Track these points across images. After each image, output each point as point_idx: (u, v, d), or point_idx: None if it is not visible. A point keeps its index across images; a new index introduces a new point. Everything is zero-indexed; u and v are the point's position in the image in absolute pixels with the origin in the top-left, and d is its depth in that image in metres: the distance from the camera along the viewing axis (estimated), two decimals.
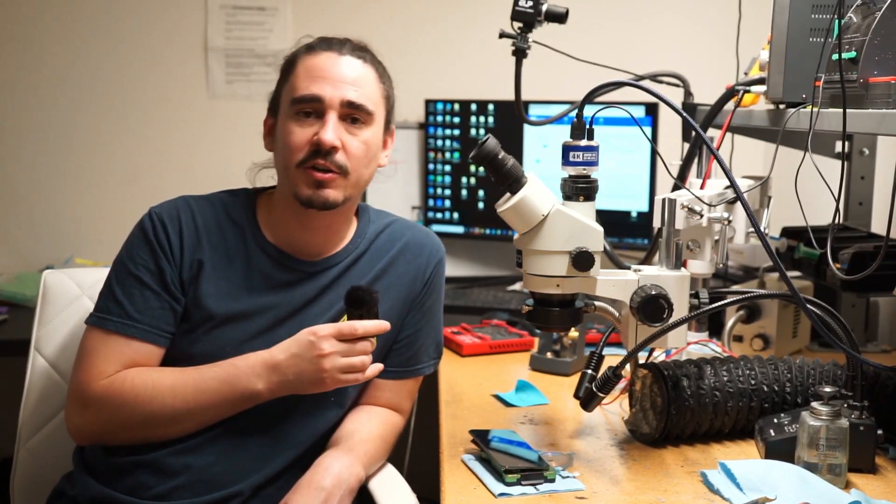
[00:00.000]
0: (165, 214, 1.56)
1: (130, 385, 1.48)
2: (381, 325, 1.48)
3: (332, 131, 1.50)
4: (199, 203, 1.60)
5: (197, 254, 1.55)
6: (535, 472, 1.34)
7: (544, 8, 1.78)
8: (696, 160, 1.76)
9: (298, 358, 1.45)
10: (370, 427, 1.61)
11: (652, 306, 1.38)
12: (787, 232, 2.07)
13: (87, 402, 1.50)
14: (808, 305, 1.38)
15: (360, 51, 1.59)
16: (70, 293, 1.81)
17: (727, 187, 1.67)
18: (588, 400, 1.45)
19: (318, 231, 1.59)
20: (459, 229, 2.93)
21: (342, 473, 1.48)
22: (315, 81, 1.52)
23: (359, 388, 1.65)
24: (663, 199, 1.48)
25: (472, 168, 2.87)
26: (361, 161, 1.55)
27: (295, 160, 1.52)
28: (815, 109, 1.38)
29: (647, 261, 1.77)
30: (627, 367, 1.46)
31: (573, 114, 1.41)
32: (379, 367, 1.52)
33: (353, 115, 1.54)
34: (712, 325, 1.97)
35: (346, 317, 1.47)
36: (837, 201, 1.40)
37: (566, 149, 1.38)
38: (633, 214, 2.68)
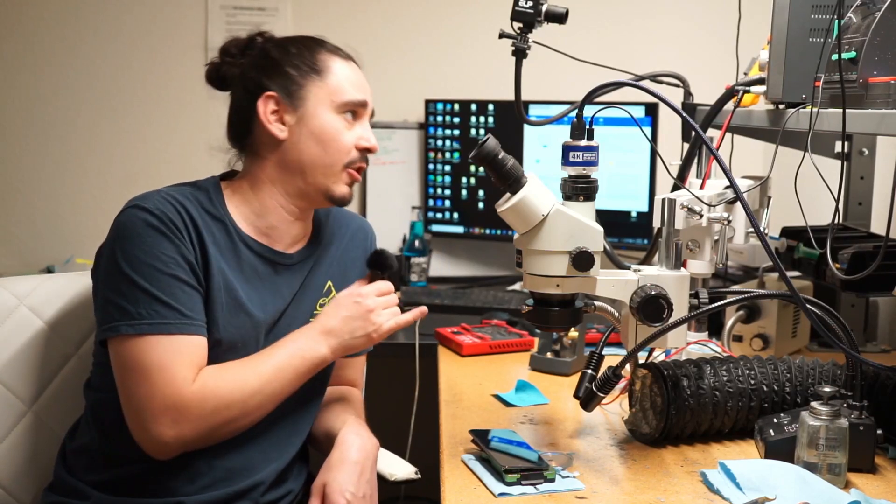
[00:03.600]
0: (163, 206, 1.49)
1: (223, 380, 1.47)
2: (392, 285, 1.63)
3: (374, 137, 1.63)
4: (177, 197, 1.53)
5: (201, 247, 1.51)
6: (534, 472, 1.34)
7: (544, 8, 1.78)
8: (695, 160, 1.76)
9: (350, 319, 1.55)
10: (351, 406, 1.72)
11: (652, 306, 1.38)
12: (786, 232, 2.07)
13: (185, 408, 1.43)
14: (808, 305, 1.38)
15: None
16: (6, 304, 1.69)
17: (727, 187, 1.67)
18: (588, 400, 1.45)
19: (302, 223, 1.63)
20: (459, 229, 2.93)
21: (365, 445, 1.56)
22: (359, 88, 1.61)
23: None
24: (663, 199, 1.49)
25: (472, 168, 2.88)
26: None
27: (345, 160, 1.58)
28: (815, 110, 1.38)
29: (646, 261, 1.77)
30: (627, 367, 1.47)
31: (573, 114, 1.41)
32: (423, 309, 1.64)
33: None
34: (712, 325, 1.97)
35: (368, 276, 1.64)
36: (837, 201, 1.41)
37: (566, 149, 1.38)
38: (633, 214, 2.68)
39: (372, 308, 1.56)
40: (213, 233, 1.54)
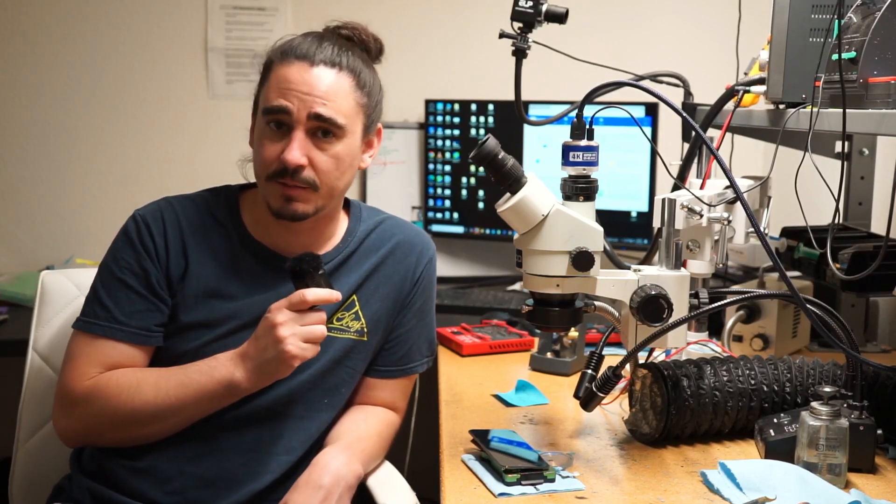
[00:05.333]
0: (150, 216, 1.55)
1: (115, 383, 1.48)
2: (331, 294, 1.45)
3: (296, 150, 1.48)
4: (183, 203, 1.59)
5: (182, 255, 1.55)
6: (535, 472, 1.34)
7: (544, 8, 1.78)
8: (696, 160, 1.76)
9: (259, 338, 1.44)
10: (367, 425, 1.62)
11: (652, 306, 1.38)
12: (786, 232, 2.07)
13: (72, 403, 1.50)
14: (808, 305, 1.38)
15: (339, 54, 1.54)
16: (68, 293, 1.81)
17: (727, 187, 1.67)
18: (588, 400, 1.45)
19: (301, 233, 1.59)
20: (459, 229, 2.93)
21: (340, 470, 1.47)
22: (284, 94, 1.50)
23: (352, 390, 1.65)
24: (663, 199, 1.48)
25: (472, 168, 2.87)
26: (331, 175, 1.53)
27: (266, 173, 1.52)
28: (815, 109, 1.38)
29: (647, 261, 1.77)
30: (627, 367, 1.47)
31: (573, 114, 1.41)
32: (333, 295, 1.45)
33: (323, 127, 1.51)
34: (712, 325, 1.97)
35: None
36: (837, 201, 1.41)
37: (566, 149, 1.38)
38: (633, 214, 2.68)
39: (279, 322, 1.40)
40: (211, 238, 1.57)
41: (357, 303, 1.62)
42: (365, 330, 1.62)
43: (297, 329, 1.42)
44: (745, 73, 1.85)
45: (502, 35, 1.81)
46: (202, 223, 1.57)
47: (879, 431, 1.39)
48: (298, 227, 1.57)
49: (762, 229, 1.59)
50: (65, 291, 1.81)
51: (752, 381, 1.53)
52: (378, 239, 1.67)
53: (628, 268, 1.48)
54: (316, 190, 1.52)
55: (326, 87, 1.51)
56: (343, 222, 1.67)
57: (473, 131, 2.86)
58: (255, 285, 1.56)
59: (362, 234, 1.66)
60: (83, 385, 1.49)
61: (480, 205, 2.89)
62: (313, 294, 1.43)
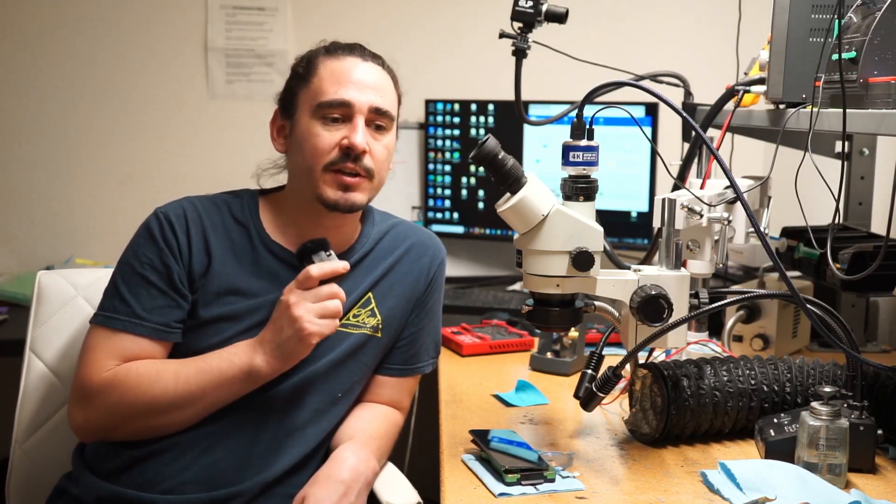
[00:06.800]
0: (172, 214, 1.56)
1: (135, 373, 1.49)
2: (337, 265, 1.49)
3: (362, 135, 1.53)
4: (204, 203, 1.61)
5: (205, 253, 1.56)
6: (535, 472, 1.34)
7: (544, 8, 1.78)
8: (696, 160, 1.76)
9: (275, 321, 1.48)
10: (376, 425, 1.64)
11: (652, 306, 1.38)
12: (787, 232, 2.07)
13: (90, 395, 1.50)
14: (808, 305, 1.38)
15: (375, 56, 1.62)
16: (65, 294, 1.80)
17: (727, 187, 1.67)
18: (588, 400, 1.45)
19: (330, 231, 1.60)
20: (459, 229, 2.93)
21: (359, 466, 1.50)
22: (343, 86, 1.54)
23: (363, 385, 1.67)
24: (663, 199, 1.49)
25: (472, 168, 2.87)
26: (384, 165, 1.59)
27: (322, 163, 1.53)
28: (815, 109, 1.38)
29: (647, 261, 1.77)
30: (627, 367, 1.47)
31: (573, 114, 1.41)
32: (343, 266, 1.49)
33: (378, 121, 1.56)
34: (712, 325, 1.97)
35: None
36: (837, 201, 1.41)
37: (566, 149, 1.38)
38: (633, 214, 2.68)
39: (292, 302, 1.46)
40: (232, 238, 1.59)
41: (373, 300, 1.65)
42: (380, 326, 1.64)
43: (310, 306, 1.46)
44: (745, 73, 1.85)
45: (502, 35, 1.81)
46: (223, 222, 1.60)
47: (879, 431, 1.39)
48: (329, 226, 1.59)
49: (762, 229, 1.59)
50: (62, 292, 1.80)
51: (752, 381, 1.53)
52: (392, 241, 1.70)
53: (628, 268, 1.48)
54: (371, 179, 1.56)
55: (378, 79, 1.58)
56: (357, 224, 1.69)
57: (473, 131, 2.86)
58: (275, 283, 1.57)
59: (377, 236, 1.69)
60: (101, 376, 1.49)
61: (480, 205, 2.89)
62: (318, 269, 1.47)
